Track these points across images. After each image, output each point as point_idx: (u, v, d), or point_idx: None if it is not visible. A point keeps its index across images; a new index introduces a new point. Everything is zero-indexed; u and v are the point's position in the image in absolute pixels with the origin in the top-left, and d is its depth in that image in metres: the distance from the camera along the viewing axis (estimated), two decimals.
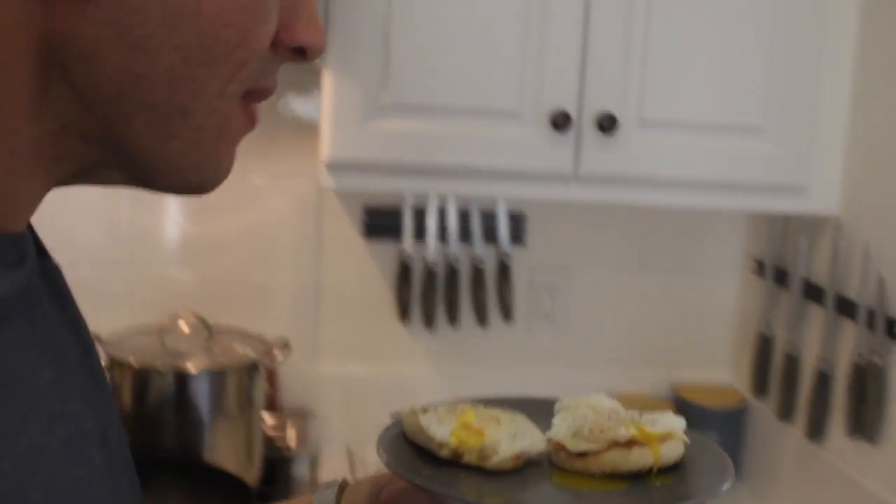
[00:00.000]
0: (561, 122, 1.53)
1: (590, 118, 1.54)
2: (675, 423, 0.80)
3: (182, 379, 1.55)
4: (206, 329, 1.62)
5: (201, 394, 1.55)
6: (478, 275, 1.91)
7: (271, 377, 1.85)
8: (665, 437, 0.77)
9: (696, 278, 1.97)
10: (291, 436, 1.79)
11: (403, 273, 1.90)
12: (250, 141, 2.09)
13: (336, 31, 1.49)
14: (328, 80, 1.51)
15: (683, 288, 1.97)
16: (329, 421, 1.89)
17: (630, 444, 0.75)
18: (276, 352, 1.68)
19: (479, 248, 1.90)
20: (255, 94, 0.54)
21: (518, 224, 1.93)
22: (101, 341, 1.60)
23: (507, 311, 1.93)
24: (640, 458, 0.75)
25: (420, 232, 1.88)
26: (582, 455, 0.75)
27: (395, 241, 1.89)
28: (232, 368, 1.58)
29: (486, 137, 1.55)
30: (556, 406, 0.83)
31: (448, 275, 1.90)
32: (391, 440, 0.78)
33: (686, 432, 0.80)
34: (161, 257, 1.84)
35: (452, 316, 1.92)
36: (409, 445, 0.78)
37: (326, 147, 1.53)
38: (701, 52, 1.55)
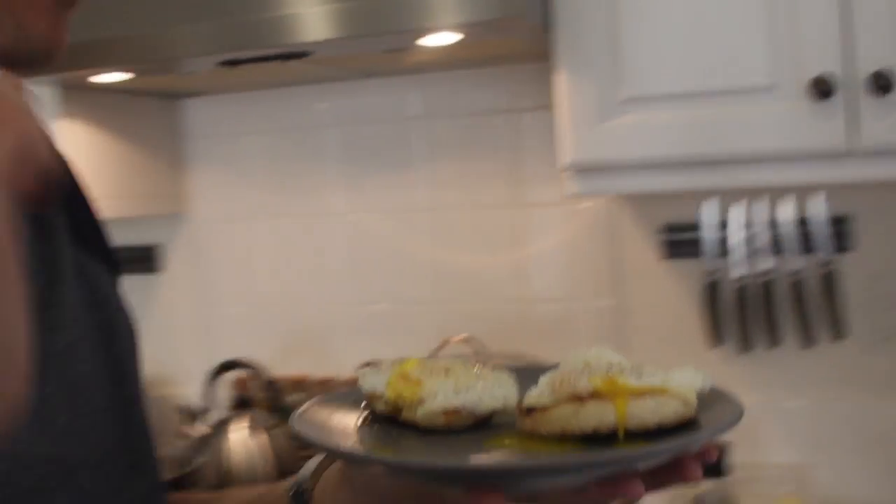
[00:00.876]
0: (825, 89, 1.30)
1: (861, 80, 1.28)
2: (684, 379, 0.62)
3: None
4: (481, 352, 1.60)
5: None
6: (798, 288, 1.66)
7: None
8: (645, 392, 0.60)
9: None
10: None
11: (711, 292, 1.71)
12: (539, 168, 2.01)
13: (563, 29, 1.42)
14: (560, 82, 1.44)
15: None
16: None
17: (588, 398, 0.60)
18: None
19: (796, 258, 1.65)
20: None
21: (842, 228, 1.65)
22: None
23: (837, 330, 1.65)
24: (594, 415, 0.59)
25: (726, 246, 1.69)
26: (531, 412, 0.61)
27: (697, 259, 1.72)
28: None
29: (739, 119, 1.36)
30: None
31: (763, 291, 1.68)
32: (337, 399, 0.70)
33: (706, 392, 0.62)
34: (461, 290, 1.87)
35: (772, 337, 1.69)
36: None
37: (566, 151, 1.45)
38: None
